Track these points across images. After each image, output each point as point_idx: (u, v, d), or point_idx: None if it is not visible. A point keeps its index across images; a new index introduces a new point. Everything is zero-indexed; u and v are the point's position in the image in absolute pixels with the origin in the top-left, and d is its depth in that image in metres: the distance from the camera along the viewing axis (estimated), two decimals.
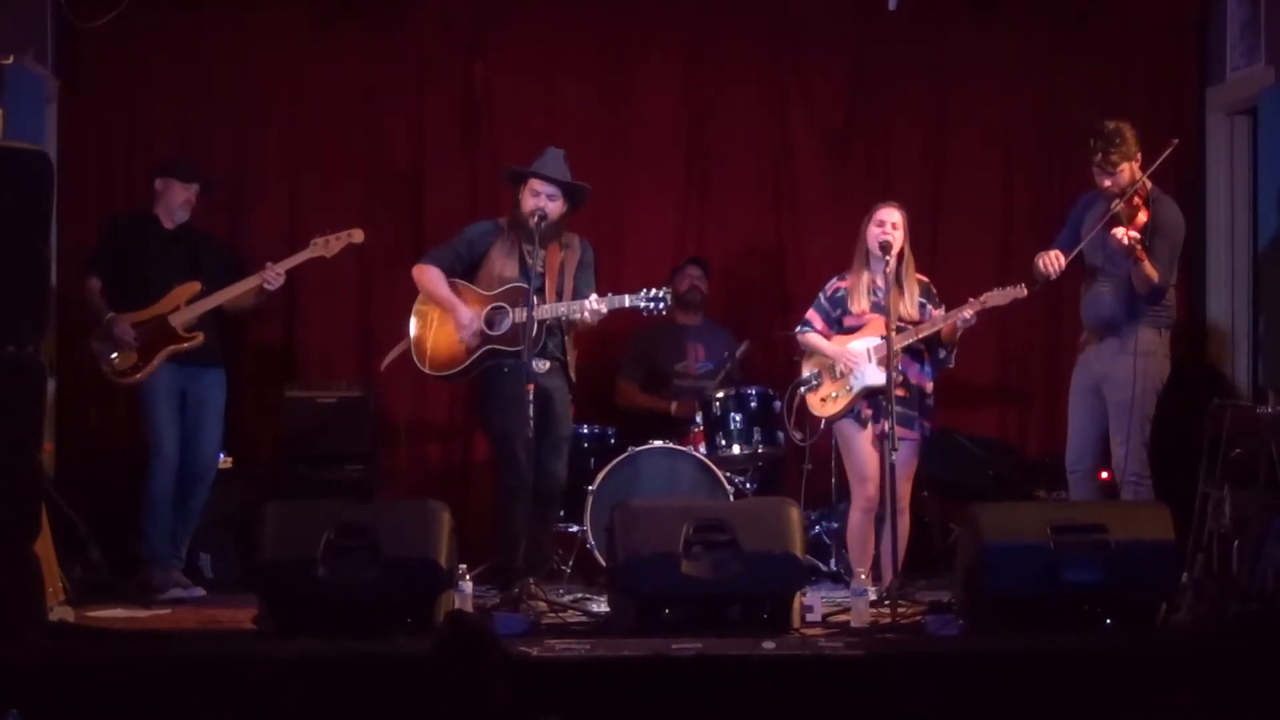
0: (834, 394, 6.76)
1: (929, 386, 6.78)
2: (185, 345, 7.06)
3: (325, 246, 7.20)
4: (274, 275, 7.09)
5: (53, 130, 7.79)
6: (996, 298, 6.60)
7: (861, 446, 6.71)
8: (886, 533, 6.41)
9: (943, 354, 6.80)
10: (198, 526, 7.23)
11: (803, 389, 6.88)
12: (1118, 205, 6.52)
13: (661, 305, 6.60)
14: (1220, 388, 7.67)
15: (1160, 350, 6.63)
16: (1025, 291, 6.62)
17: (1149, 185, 6.60)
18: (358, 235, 7.27)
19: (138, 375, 7.02)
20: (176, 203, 7.20)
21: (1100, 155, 6.55)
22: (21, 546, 5.66)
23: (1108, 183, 6.58)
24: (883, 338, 6.51)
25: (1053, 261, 6.59)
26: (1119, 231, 6.41)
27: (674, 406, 7.73)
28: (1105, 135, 6.56)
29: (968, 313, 6.60)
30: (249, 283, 7.12)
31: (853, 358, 6.68)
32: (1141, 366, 6.51)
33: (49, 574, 6.09)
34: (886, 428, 6.39)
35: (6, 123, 6.62)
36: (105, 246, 7.24)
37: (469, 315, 6.65)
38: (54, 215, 6.14)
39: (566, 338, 6.77)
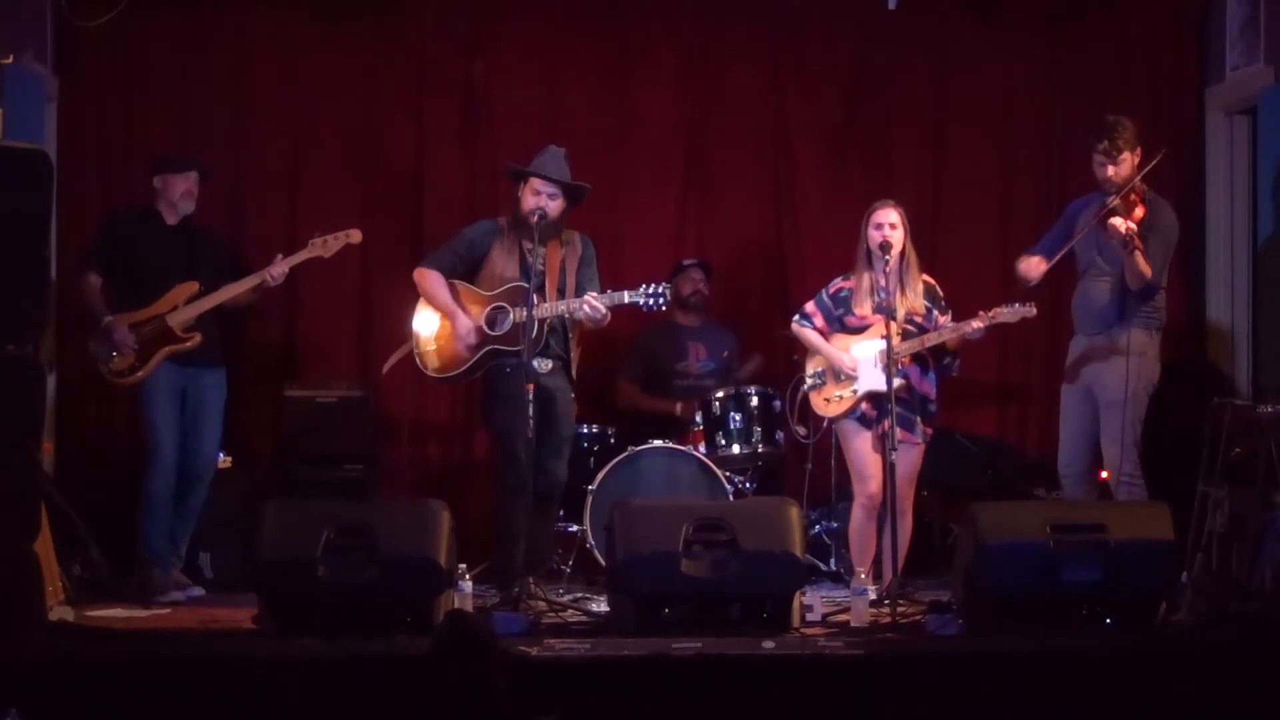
0: (838, 394, 6.76)
1: (932, 392, 6.76)
2: (183, 346, 7.04)
3: (323, 246, 7.20)
4: (279, 271, 7.09)
5: (53, 130, 7.79)
6: (1006, 315, 6.59)
7: (862, 445, 6.71)
8: (887, 532, 6.41)
9: (947, 360, 6.80)
10: (197, 526, 7.22)
11: (806, 387, 6.88)
12: (1114, 201, 6.53)
13: (661, 301, 6.58)
14: (1220, 387, 7.66)
15: (1151, 351, 6.63)
16: (1034, 311, 6.61)
17: (1144, 187, 6.63)
18: (356, 236, 7.27)
19: (135, 376, 7.01)
20: (177, 195, 7.17)
21: (1106, 143, 6.57)
22: (21, 546, 5.66)
23: (1110, 171, 6.59)
24: (883, 337, 6.48)
25: (1033, 267, 6.63)
26: (1117, 221, 6.41)
27: (679, 407, 7.73)
28: (1107, 125, 6.61)
29: (977, 324, 6.60)
30: (249, 281, 7.10)
31: (849, 366, 6.69)
32: (1134, 366, 6.51)
33: (49, 574, 6.10)
34: (886, 428, 6.39)
35: (6, 122, 6.62)
36: (104, 240, 7.20)
37: (466, 325, 6.66)
38: (54, 214, 6.14)
39: (571, 336, 6.77)
